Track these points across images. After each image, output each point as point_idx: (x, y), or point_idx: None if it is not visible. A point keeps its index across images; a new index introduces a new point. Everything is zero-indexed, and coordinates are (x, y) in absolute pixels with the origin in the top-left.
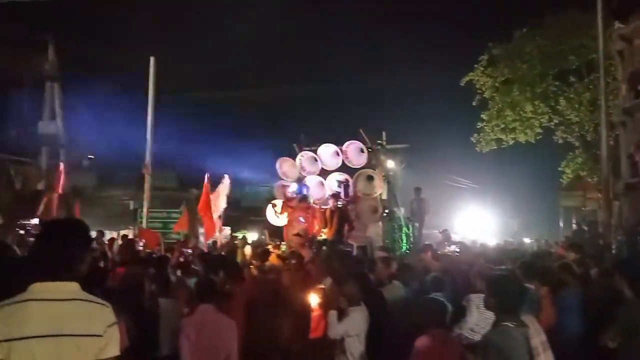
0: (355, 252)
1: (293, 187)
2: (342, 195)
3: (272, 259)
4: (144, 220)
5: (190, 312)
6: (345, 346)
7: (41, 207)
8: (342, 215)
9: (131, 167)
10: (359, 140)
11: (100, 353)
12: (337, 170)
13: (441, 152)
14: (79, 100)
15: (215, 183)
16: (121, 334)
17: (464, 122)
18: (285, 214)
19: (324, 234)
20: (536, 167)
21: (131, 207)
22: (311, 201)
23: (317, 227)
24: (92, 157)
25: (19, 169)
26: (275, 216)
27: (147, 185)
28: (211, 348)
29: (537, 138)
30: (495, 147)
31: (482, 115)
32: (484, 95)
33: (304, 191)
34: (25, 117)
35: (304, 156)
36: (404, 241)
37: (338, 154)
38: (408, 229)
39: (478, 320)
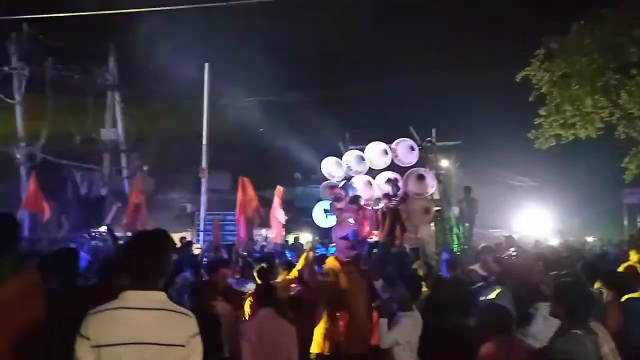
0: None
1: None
2: (393, 195)
3: (330, 262)
4: (202, 223)
5: (250, 316)
6: (394, 355)
7: (110, 216)
8: (394, 217)
9: (188, 170)
10: (409, 138)
11: None
12: (386, 169)
13: (497, 150)
14: (138, 107)
15: (264, 186)
16: None
17: (521, 118)
18: (334, 215)
19: (375, 236)
20: (598, 164)
21: (188, 210)
22: (362, 202)
23: (367, 229)
24: (147, 167)
25: (84, 176)
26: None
27: (203, 189)
28: (272, 352)
29: (598, 133)
30: (554, 144)
31: (539, 111)
32: (541, 91)
33: (352, 191)
34: (88, 125)
35: (350, 155)
36: (455, 242)
37: (387, 153)
38: (459, 230)
39: (542, 328)
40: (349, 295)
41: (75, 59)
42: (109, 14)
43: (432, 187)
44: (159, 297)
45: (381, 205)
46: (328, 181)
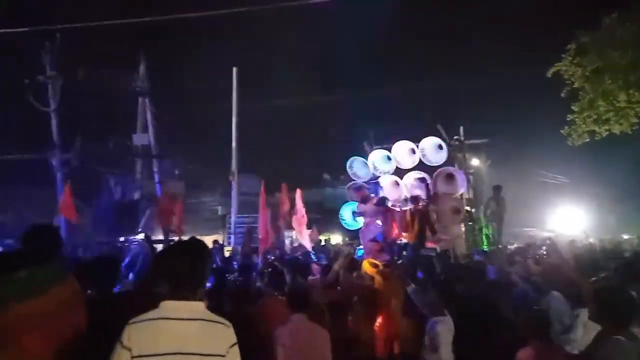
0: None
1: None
2: (422, 195)
3: (366, 266)
4: (232, 226)
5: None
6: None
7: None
8: (424, 218)
9: (218, 174)
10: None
11: None
12: (414, 169)
13: (529, 147)
14: (168, 112)
15: (293, 188)
16: None
17: (553, 115)
18: (362, 217)
19: (404, 238)
20: (634, 159)
21: (219, 213)
22: (389, 203)
23: (396, 231)
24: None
25: (117, 181)
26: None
27: (234, 192)
28: (306, 357)
29: (633, 128)
30: (587, 140)
31: (572, 107)
32: (574, 86)
33: (379, 192)
34: (121, 131)
35: (376, 154)
36: (485, 243)
37: (414, 152)
38: (488, 230)
39: (583, 334)
40: (385, 298)
41: (106, 66)
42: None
43: (462, 186)
44: (197, 307)
45: (409, 206)
46: (353, 182)
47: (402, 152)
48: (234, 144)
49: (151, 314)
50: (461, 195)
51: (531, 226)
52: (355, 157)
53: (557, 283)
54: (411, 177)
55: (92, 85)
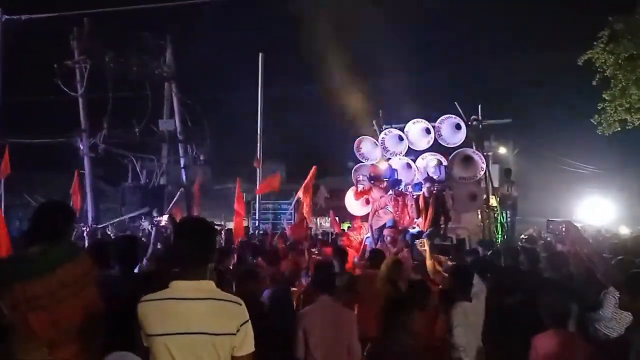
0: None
1: (383, 169)
2: (438, 179)
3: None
4: (257, 212)
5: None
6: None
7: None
8: (439, 203)
9: (244, 160)
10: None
11: (235, 350)
12: (428, 150)
13: (558, 136)
14: (195, 98)
15: (317, 175)
16: None
17: (583, 103)
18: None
19: (418, 226)
20: None
21: (244, 200)
22: (402, 187)
23: (408, 218)
24: (203, 157)
25: (144, 165)
26: (356, 203)
27: (259, 178)
28: (334, 338)
29: None
30: (619, 129)
31: (604, 95)
32: (606, 74)
33: (395, 175)
34: (147, 116)
35: (387, 134)
36: (499, 232)
37: (429, 132)
38: (503, 218)
39: (613, 314)
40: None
41: (133, 51)
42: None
43: (481, 169)
44: (207, 286)
45: (424, 189)
46: (361, 164)
47: (416, 131)
48: (259, 130)
49: (161, 293)
50: (479, 180)
51: (557, 216)
52: (363, 136)
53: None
54: (426, 159)
55: (118, 70)
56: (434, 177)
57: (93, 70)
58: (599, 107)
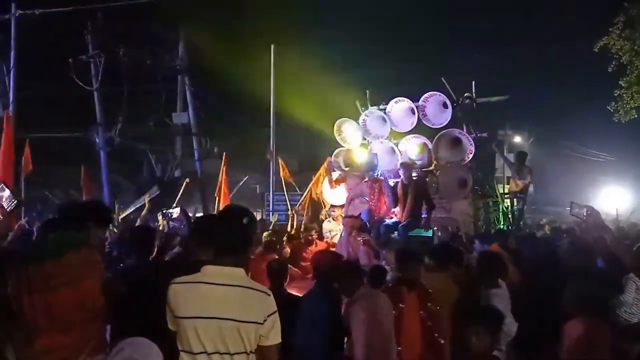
0: (438, 237)
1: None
2: (419, 163)
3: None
4: (271, 203)
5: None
6: None
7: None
8: (419, 191)
9: (257, 152)
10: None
11: (262, 340)
12: (412, 131)
13: (572, 123)
14: (207, 91)
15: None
16: None
17: (599, 90)
18: (338, 188)
19: (395, 216)
20: None
21: (258, 191)
22: (379, 172)
23: (385, 207)
24: (217, 149)
25: (159, 158)
26: (330, 190)
27: (271, 170)
28: (384, 332)
29: None
30: (635, 116)
31: (620, 82)
32: (622, 61)
33: (374, 160)
34: (161, 109)
35: (369, 116)
36: (501, 220)
37: (413, 112)
38: (508, 207)
39: (634, 300)
40: None
41: (146, 44)
42: None
43: (469, 152)
44: (238, 273)
45: (402, 175)
46: (341, 148)
47: (399, 112)
48: (271, 122)
49: (193, 277)
50: (468, 165)
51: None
52: (344, 118)
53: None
54: (410, 142)
55: (132, 64)
56: (415, 162)
57: (107, 64)
58: (615, 94)
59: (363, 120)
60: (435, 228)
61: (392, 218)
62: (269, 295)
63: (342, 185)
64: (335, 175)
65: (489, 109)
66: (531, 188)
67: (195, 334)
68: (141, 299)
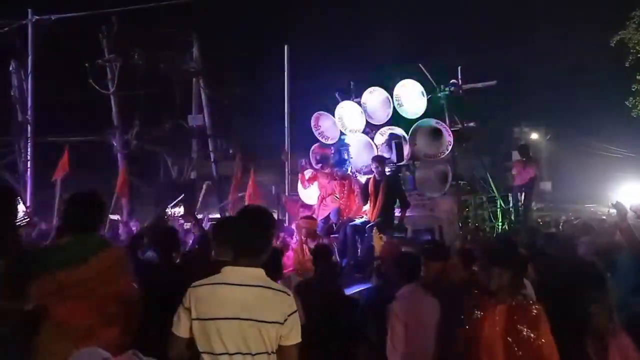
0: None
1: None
2: (393, 158)
3: None
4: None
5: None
6: None
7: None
8: (391, 187)
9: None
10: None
11: (282, 340)
12: (387, 123)
13: (590, 119)
14: (222, 93)
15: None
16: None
17: (616, 85)
18: (311, 187)
19: (365, 215)
20: None
21: (273, 192)
22: (349, 169)
23: (355, 206)
24: (232, 151)
25: (174, 160)
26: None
27: (286, 171)
28: (422, 331)
29: None
30: None
31: (638, 77)
32: (639, 55)
33: (344, 155)
34: (176, 112)
35: (346, 108)
36: (500, 219)
37: (390, 102)
38: (507, 203)
39: None
40: None
41: (161, 47)
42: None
43: (448, 144)
44: (258, 273)
45: (373, 170)
46: (319, 143)
47: (375, 102)
48: (286, 123)
49: (212, 278)
50: (447, 157)
51: (592, 202)
52: (320, 112)
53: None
54: (385, 135)
55: (147, 67)
56: (385, 155)
57: (122, 68)
58: (632, 89)
59: (339, 113)
60: (407, 228)
61: (362, 218)
62: (289, 295)
63: (315, 183)
64: (309, 173)
65: (481, 97)
66: (549, 185)
67: (217, 335)
68: (162, 300)
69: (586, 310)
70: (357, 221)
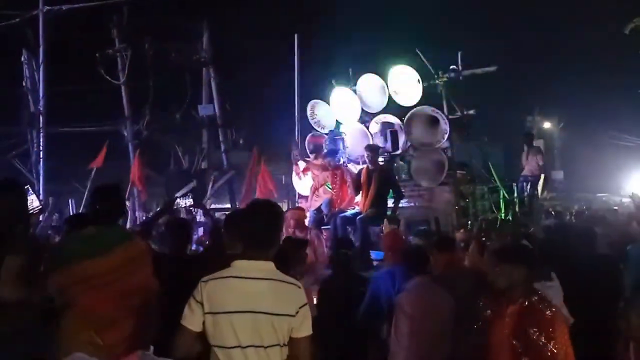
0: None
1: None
2: (387, 147)
3: None
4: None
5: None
6: None
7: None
8: (384, 177)
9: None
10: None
11: (294, 332)
12: (383, 111)
13: (603, 108)
14: (232, 83)
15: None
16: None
17: (631, 73)
18: (305, 178)
19: (357, 206)
20: None
21: (283, 182)
22: (342, 159)
23: (347, 197)
24: (242, 141)
25: (185, 150)
26: (298, 180)
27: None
28: (430, 324)
29: None
30: None
31: None
32: None
33: (339, 145)
34: (187, 101)
35: (341, 95)
36: (502, 209)
37: (386, 90)
38: (510, 193)
39: None
40: None
41: (171, 37)
42: None
43: (444, 133)
44: (268, 267)
45: (365, 159)
46: (314, 132)
47: (371, 90)
48: (296, 114)
49: (223, 272)
50: (442, 145)
51: (604, 191)
52: (316, 100)
53: None
54: (380, 123)
55: (157, 57)
56: (379, 145)
57: (132, 58)
58: None
59: (334, 100)
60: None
61: (354, 209)
62: (300, 287)
63: (309, 174)
64: (303, 164)
65: (481, 83)
66: (561, 174)
67: (231, 328)
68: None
69: (620, 316)
70: (348, 212)
